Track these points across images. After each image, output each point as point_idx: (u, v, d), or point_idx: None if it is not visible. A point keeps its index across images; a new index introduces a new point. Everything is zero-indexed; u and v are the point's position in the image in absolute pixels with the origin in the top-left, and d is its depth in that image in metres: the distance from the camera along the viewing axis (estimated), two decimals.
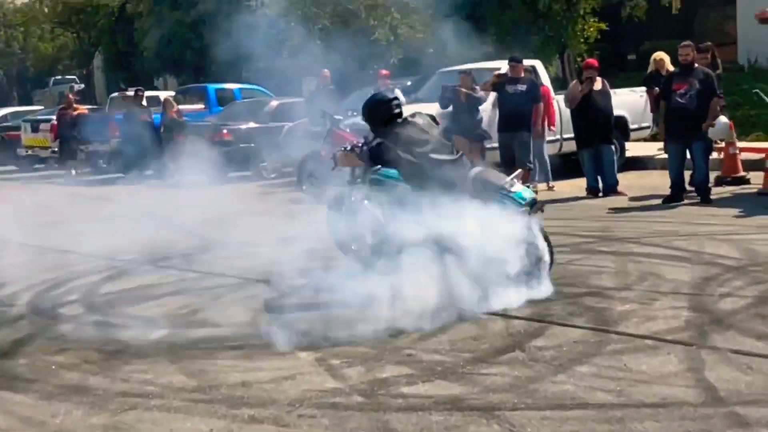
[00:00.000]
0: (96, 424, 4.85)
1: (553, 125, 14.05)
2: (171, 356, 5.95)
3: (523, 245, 6.67)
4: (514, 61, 13.21)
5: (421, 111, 7.97)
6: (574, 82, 13.57)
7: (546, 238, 7.01)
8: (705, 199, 11.42)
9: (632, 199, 12.25)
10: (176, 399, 5.14)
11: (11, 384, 5.59)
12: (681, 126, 11.41)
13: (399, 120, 7.43)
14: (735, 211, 10.77)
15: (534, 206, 7.06)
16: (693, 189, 11.77)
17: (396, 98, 7.69)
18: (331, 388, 5.20)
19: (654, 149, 16.05)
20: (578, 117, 12.75)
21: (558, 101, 14.60)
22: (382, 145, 7.37)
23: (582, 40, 18.93)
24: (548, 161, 13.75)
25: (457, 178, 7.09)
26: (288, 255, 8.72)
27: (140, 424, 4.82)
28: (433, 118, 7.70)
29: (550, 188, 13.50)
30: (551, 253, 7.08)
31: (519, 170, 7.92)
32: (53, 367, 5.88)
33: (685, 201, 11.54)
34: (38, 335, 6.67)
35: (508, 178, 7.16)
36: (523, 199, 7.03)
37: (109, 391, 5.33)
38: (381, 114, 7.48)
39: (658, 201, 11.73)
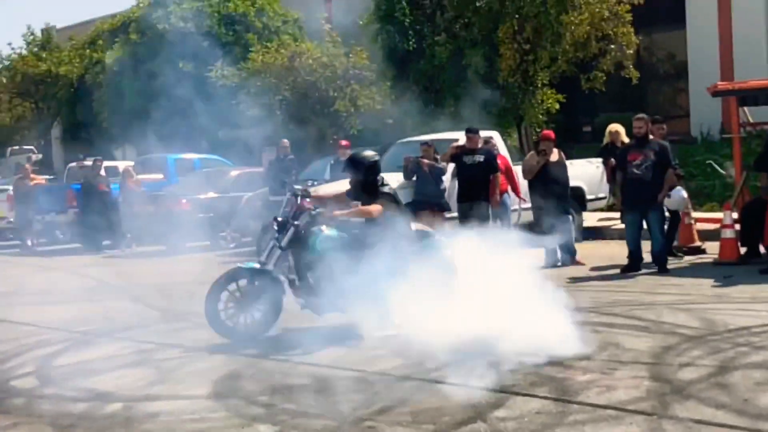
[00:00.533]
0: None
1: (520, 194, 14.14)
2: (127, 430, 5.82)
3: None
4: (471, 132, 13.36)
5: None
6: (530, 153, 13.72)
7: None
8: (662, 269, 11.52)
9: (591, 269, 12.32)
10: None
11: None
12: (637, 196, 11.57)
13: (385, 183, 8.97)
14: (692, 281, 10.87)
15: None
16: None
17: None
18: None
19: (611, 220, 16.26)
20: (535, 188, 12.85)
21: (516, 172, 14.74)
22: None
23: (542, 111, 19.21)
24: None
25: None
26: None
27: None
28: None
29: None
30: None
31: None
32: None
33: (643, 271, 11.63)
34: None
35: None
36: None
37: None
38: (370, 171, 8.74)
39: (616, 270, 11.81)
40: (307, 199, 14.11)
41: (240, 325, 8.39)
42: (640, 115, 12.03)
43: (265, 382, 6.87)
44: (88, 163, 20.62)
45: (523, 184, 14.06)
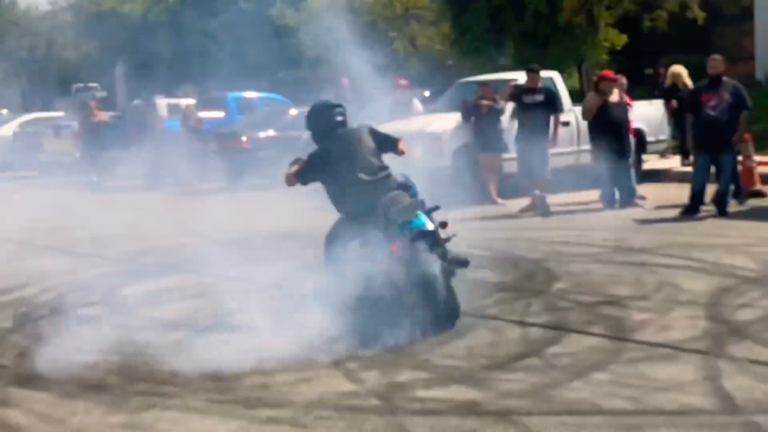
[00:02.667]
0: (114, 423, 4.86)
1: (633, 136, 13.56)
2: (190, 357, 5.93)
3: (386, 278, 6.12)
4: (532, 71, 13.15)
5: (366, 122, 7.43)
6: (590, 93, 13.49)
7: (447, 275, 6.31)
8: (722, 212, 11.34)
9: (648, 210, 12.17)
10: (194, 399, 5.15)
11: (31, 382, 5.62)
12: (711, 138, 11.28)
13: (339, 130, 6.92)
14: (752, 224, 10.71)
15: (421, 237, 6.24)
16: (710, 202, 11.64)
17: (340, 105, 7.09)
18: (347, 391, 5.19)
19: (674, 162, 16.06)
20: (595, 129, 12.66)
21: (576, 113, 14.57)
22: (309, 158, 6.90)
23: (605, 52, 18.80)
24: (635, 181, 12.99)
25: (370, 201, 6.55)
26: (302, 261, 8.77)
27: (159, 423, 4.84)
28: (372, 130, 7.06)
29: (640, 199, 12.75)
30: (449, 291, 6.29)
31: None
32: (73, 365, 5.89)
33: (702, 213, 11.45)
34: (58, 335, 6.68)
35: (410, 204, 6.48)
36: (410, 229, 6.24)
37: (127, 391, 5.35)
38: (322, 122, 7.01)
39: (674, 213, 11.65)
40: None
41: None
42: (715, 56, 11.71)
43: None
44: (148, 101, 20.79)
45: (581, 125, 13.91)
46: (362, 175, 6.65)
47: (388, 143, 7.07)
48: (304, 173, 6.89)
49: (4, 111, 32.39)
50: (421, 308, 6.03)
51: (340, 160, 6.73)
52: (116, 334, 6.65)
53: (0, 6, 39.57)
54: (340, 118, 6.98)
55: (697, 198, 11.46)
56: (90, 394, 5.32)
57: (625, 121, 12.69)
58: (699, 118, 11.41)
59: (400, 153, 7.11)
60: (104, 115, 21.49)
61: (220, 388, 5.32)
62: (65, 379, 5.63)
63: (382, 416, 4.76)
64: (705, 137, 11.39)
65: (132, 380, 5.54)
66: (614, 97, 12.55)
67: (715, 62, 11.46)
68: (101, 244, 10.63)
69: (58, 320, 7.15)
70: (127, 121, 21.38)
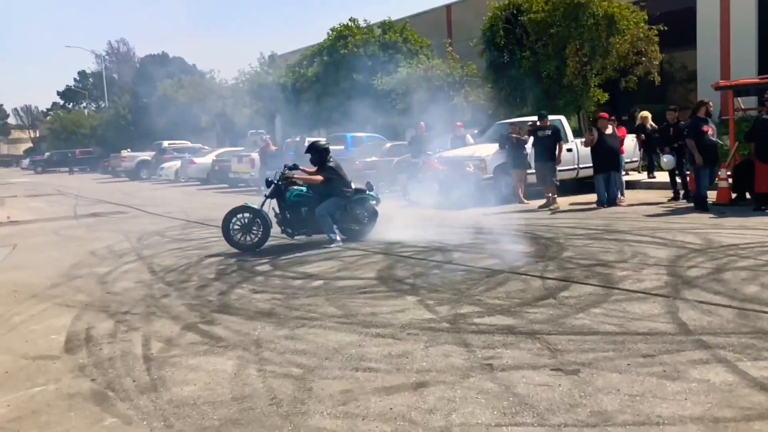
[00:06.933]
0: (280, 335, 4.96)
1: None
2: (326, 296, 6.03)
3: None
4: (542, 116, 12.99)
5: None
6: (591, 129, 13.12)
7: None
8: (704, 207, 10.72)
9: (626, 207, 11.83)
10: (329, 321, 5.21)
11: (227, 309, 5.76)
12: (711, 155, 10.91)
13: (330, 160, 8.90)
14: (698, 215, 10.31)
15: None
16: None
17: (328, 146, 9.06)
18: (427, 318, 5.19)
19: (642, 175, 15.51)
20: (595, 152, 12.30)
21: (576, 143, 14.30)
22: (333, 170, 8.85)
23: (593, 103, 18.32)
24: (623, 182, 12.57)
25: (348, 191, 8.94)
26: (400, 234, 8.78)
27: (308, 335, 4.91)
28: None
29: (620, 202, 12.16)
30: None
31: None
32: (253, 300, 6.03)
33: (656, 207, 11.01)
34: (244, 282, 6.85)
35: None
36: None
37: (287, 316, 5.44)
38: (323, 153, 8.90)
39: (645, 209, 11.27)
40: (435, 160, 14.15)
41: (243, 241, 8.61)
42: (704, 99, 11.46)
43: (409, 270, 6.97)
44: (298, 138, 21.06)
45: (581, 151, 13.57)
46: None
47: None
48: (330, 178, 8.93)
49: (207, 147, 33.27)
50: None
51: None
52: (279, 282, 6.77)
53: (204, 80, 40.72)
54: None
55: (706, 197, 10.78)
56: (264, 317, 5.44)
57: (617, 148, 12.32)
58: (703, 143, 10.84)
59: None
60: (274, 148, 21.86)
61: (346, 314, 5.38)
62: (248, 308, 5.77)
63: (451, 334, 4.75)
64: (708, 155, 10.86)
65: (290, 309, 5.63)
66: (608, 130, 12.25)
67: (703, 106, 11.12)
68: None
69: (243, 273, 7.31)
70: (284, 151, 21.69)
